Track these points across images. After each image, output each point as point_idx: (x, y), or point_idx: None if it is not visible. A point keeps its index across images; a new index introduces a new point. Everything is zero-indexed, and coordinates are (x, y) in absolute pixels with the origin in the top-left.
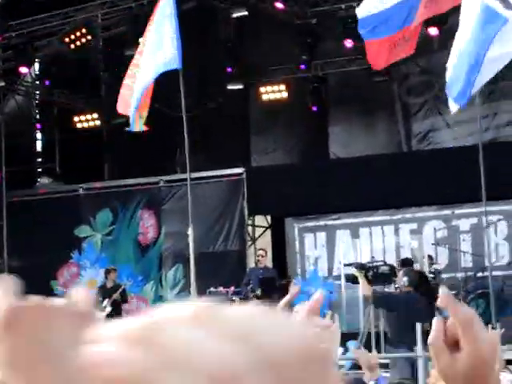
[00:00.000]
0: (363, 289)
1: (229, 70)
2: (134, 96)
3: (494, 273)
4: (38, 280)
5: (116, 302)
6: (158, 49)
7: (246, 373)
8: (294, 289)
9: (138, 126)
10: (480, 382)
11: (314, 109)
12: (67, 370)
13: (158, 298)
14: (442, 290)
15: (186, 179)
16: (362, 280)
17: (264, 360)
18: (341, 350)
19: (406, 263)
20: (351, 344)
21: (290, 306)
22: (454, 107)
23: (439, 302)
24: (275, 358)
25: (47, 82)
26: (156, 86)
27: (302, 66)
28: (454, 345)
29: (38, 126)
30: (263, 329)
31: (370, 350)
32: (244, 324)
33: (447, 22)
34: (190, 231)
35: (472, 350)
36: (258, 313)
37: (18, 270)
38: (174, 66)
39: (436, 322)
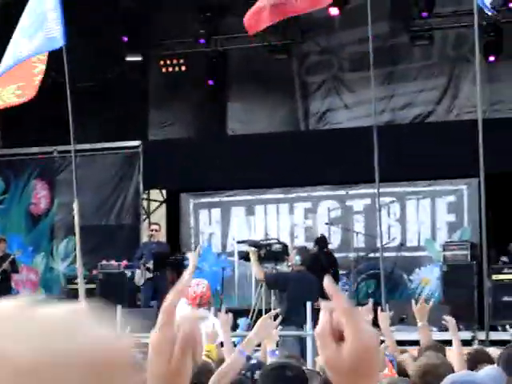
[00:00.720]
0: (256, 273)
1: (125, 39)
2: None
3: (386, 254)
4: None
5: (5, 271)
6: (37, 28)
7: (47, 367)
8: (192, 257)
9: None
10: (364, 371)
11: (211, 83)
12: None
13: (49, 270)
14: (327, 279)
15: (81, 150)
16: (253, 260)
17: (65, 357)
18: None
19: (320, 242)
20: (242, 321)
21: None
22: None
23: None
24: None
25: None
26: (50, 53)
27: (202, 41)
28: (338, 336)
29: None
30: (68, 328)
31: None
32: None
33: (349, 2)
34: (75, 204)
35: (354, 339)
36: (70, 313)
37: None
38: (58, 45)
39: (322, 313)
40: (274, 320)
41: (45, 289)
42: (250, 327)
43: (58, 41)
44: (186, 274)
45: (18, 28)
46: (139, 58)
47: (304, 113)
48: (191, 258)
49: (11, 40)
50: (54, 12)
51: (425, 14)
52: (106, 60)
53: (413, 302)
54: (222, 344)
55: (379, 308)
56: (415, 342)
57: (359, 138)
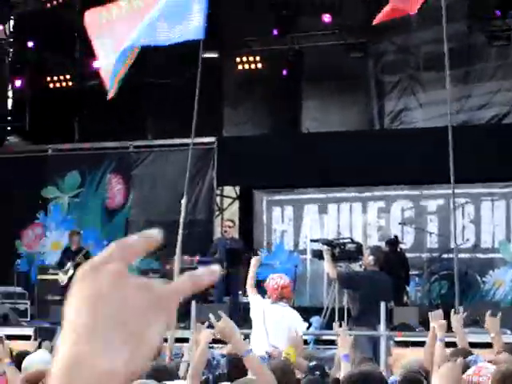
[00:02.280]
0: (329, 271)
1: (205, 38)
2: (113, 58)
3: (460, 255)
4: (2, 239)
5: (79, 264)
6: (181, 16)
7: None
8: (255, 260)
9: (113, 92)
10: None
11: (286, 81)
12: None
13: None
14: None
15: (155, 145)
16: (328, 262)
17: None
18: (305, 325)
19: (392, 242)
20: (315, 319)
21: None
22: None
23: None
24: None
25: (21, 40)
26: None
27: (277, 38)
28: None
29: (10, 84)
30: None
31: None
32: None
33: (427, 1)
34: (183, 200)
35: None
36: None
37: None
38: (200, 36)
39: None
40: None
41: None
42: (322, 326)
43: (200, 32)
44: (250, 268)
45: (155, 9)
46: (216, 55)
47: (379, 112)
48: (253, 262)
49: (146, 17)
50: (198, 4)
51: (502, 14)
52: (184, 57)
53: (488, 313)
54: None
55: (452, 310)
56: (488, 345)
57: (434, 138)
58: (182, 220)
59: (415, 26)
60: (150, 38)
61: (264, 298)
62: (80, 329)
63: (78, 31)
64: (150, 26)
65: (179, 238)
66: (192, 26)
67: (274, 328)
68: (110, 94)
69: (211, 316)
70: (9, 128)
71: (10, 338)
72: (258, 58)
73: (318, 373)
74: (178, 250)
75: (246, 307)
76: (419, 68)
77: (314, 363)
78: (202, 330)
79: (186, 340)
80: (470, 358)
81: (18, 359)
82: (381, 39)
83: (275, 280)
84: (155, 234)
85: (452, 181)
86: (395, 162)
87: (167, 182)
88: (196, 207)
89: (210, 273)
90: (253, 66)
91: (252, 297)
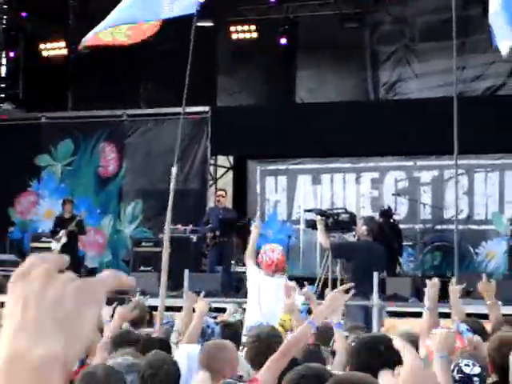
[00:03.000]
0: (322, 241)
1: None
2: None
3: (452, 226)
4: None
5: (72, 232)
6: None
7: None
8: (255, 229)
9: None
10: None
11: (281, 51)
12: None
13: (116, 232)
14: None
15: (149, 114)
16: (321, 232)
17: None
18: (301, 298)
19: (385, 213)
20: (308, 289)
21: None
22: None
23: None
24: None
25: (15, 8)
26: None
27: (272, 7)
28: None
29: (4, 51)
30: None
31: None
32: None
33: None
34: (173, 169)
35: None
36: None
37: None
38: (191, 11)
39: None
40: (346, 293)
41: (111, 251)
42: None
43: (194, 7)
44: (250, 238)
45: None
46: (210, 24)
47: (374, 82)
48: (255, 224)
49: None
50: None
51: None
52: (177, 25)
53: (484, 277)
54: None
55: (451, 281)
56: (483, 316)
57: (429, 109)
58: (172, 189)
59: None
60: (155, 11)
61: (259, 269)
62: (15, 326)
63: None
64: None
65: (169, 207)
66: (188, 1)
67: (269, 300)
68: (80, 45)
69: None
70: (2, 95)
71: (2, 305)
72: (252, 28)
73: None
74: (167, 218)
75: (239, 277)
76: (415, 39)
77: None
78: (195, 299)
79: (178, 309)
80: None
81: None
82: (377, 9)
83: (268, 255)
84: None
85: (456, 151)
86: (390, 132)
87: (160, 151)
88: (189, 177)
89: (129, 279)
90: (247, 36)
91: (250, 268)
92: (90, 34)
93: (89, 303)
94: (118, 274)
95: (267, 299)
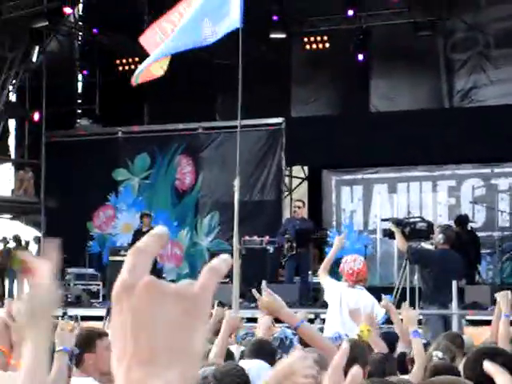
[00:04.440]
0: (399, 244)
1: (275, 18)
2: (160, 48)
3: None
4: (74, 221)
5: None
6: (221, 12)
7: None
8: (338, 241)
9: (134, 79)
10: None
11: (358, 60)
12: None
13: (193, 245)
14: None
15: (224, 127)
16: (398, 235)
17: None
18: (383, 310)
19: (462, 221)
20: (387, 298)
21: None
22: None
23: None
24: None
25: (90, 24)
26: None
27: (345, 17)
28: None
29: (80, 67)
30: None
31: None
32: None
33: None
34: (236, 182)
35: None
36: None
37: (55, 211)
38: (235, 26)
39: None
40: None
41: (189, 263)
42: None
43: (237, 23)
44: (326, 259)
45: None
46: (283, 36)
47: (448, 90)
48: (337, 241)
49: (186, 15)
50: None
51: None
52: (251, 37)
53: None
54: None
55: None
56: None
57: (505, 116)
58: (236, 201)
59: (484, 2)
60: (197, 39)
61: (339, 280)
62: (128, 355)
63: (146, 14)
64: (194, 29)
65: (235, 219)
66: (231, 18)
67: (350, 312)
68: (133, 80)
69: (254, 291)
70: (79, 111)
71: (82, 318)
72: (325, 38)
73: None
74: (235, 231)
75: (316, 287)
76: (489, 45)
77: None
78: (223, 312)
79: (255, 320)
80: None
81: None
82: (450, 17)
83: (349, 264)
84: (162, 231)
85: None
86: (465, 140)
87: (235, 163)
88: (265, 188)
89: (223, 261)
90: (320, 46)
91: (327, 280)
92: (142, 68)
93: (199, 321)
94: (217, 264)
95: (349, 309)
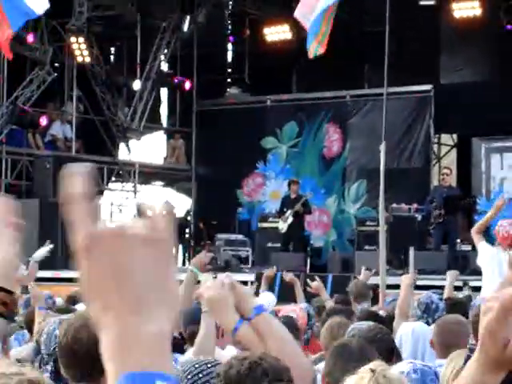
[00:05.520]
0: None
1: None
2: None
3: None
4: (224, 188)
5: (298, 213)
6: None
7: None
8: (500, 201)
9: (312, 51)
10: None
11: (508, 27)
12: (134, 289)
13: (340, 212)
14: None
15: (372, 94)
16: None
17: None
18: None
19: None
20: None
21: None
22: None
23: None
24: None
25: None
26: None
27: None
28: None
29: (230, 37)
30: None
31: None
32: None
33: None
34: (382, 147)
35: None
36: None
37: (205, 178)
38: None
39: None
40: None
41: (336, 230)
42: None
43: None
44: (483, 219)
45: None
46: (432, 2)
47: None
48: (499, 201)
49: None
50: None
51: None
52: (400, 4)
53: None
54: None
55: None
56: None
57: None
58: (382, 166)
59: None
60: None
61: (493, 245)
62: (118, 305)
63: None
64: None
65: (381, 184)
66: None
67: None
68: (310, 54)
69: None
70: (229, 80)
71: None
72: (476, 4)
73: None
74: (380, 198)
75: (464, 255)
76: None
77: None
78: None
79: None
80: None
81: None
82: None
83: (506, 228)
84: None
85: None
86: None
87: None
88: (413, 155)
89: (166, 204)
90: (470, 13)
91: (482, 244)
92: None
93: (169, 263)
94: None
95: (504, 274)
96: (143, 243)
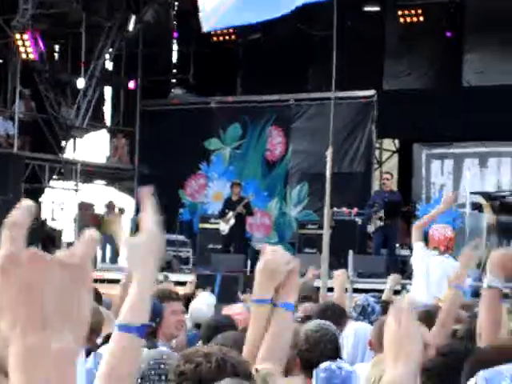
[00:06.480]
0: (487, 217)
1: None
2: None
3: None
4: (167, 188)
5: (240, 214)
6: None
7: None
8: (448, 199)
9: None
10: None
11: (449, 34)
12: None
13: (282, 215)
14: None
15: (316, 99)
16: (487, 209)
17: None
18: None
19: None
20: (472, 272)
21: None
22: None
23: None
24: None
25: None
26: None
27: None
28: None
29: (175, 36)
30: None
31: None
32: None
33: None
34: (328, 152)
35: None
36: None
37: (148, 178)
38: None
39: None
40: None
41: (277, 233)
42: (480, 278)
43: None
44: (430, 214)
45: None
46: (377, 9)
47: None
48: (447, 197)
49: None
50: None
51: None
52: (345, 10)
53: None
54: None
55: None
56: None
57: None
58: (328, 172)
59: None
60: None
61: (427, 248)
62: (23, 322)
63: None
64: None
65: (327, 190)
66: None
67: (438, 280)
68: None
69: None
70: (173, 80)
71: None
72: (419, 11)
73: None
74: (326, 202)
75: (403, 259)
76: None
77: None
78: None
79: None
80: None
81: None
82: None
83: (440, 231)
84: (29, 204)
85: None
86: None
87: (326, 134)
88: (354, 160)
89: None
90: (415, 20)
91: (419, 244)
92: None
93: (83, 286)
94: (86, 239)
95: (437, 278)
96: (59, 267)
